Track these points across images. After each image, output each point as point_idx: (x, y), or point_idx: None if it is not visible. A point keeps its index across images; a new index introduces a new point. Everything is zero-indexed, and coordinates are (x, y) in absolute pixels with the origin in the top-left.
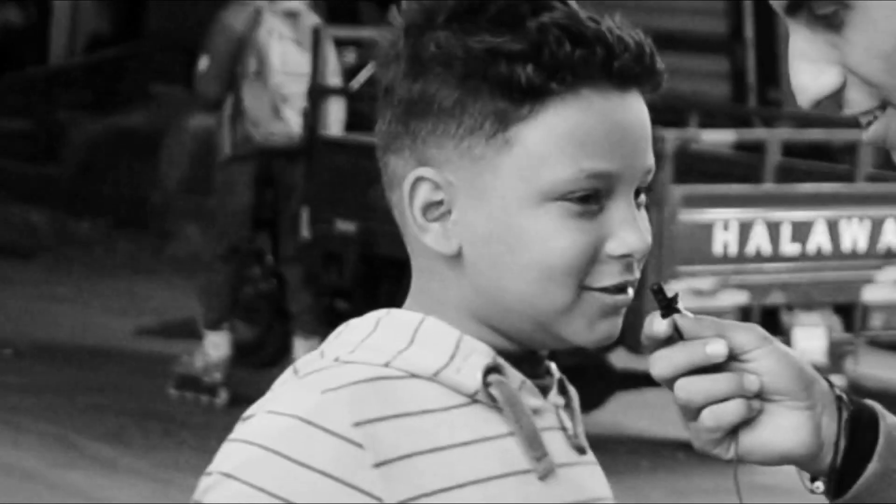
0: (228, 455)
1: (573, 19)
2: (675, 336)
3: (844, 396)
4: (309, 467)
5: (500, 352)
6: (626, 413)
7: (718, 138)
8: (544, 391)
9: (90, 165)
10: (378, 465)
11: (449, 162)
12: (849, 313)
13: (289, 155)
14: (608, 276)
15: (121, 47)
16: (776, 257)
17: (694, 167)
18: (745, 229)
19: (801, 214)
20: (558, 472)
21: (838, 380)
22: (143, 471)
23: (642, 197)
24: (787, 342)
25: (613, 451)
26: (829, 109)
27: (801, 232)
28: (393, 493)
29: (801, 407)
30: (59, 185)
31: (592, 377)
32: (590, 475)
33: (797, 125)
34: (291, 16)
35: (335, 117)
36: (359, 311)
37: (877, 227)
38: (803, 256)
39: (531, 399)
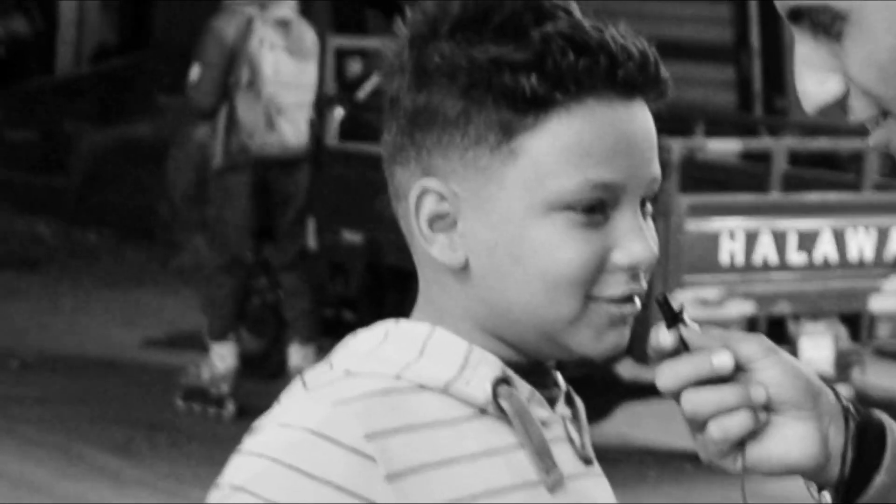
0: (238, 468)
1: (577, 29)
2: (681, 348)
3: (851, 407)
4: (321, 480)
5: (508, 363)
6: (632, 424)
7: (724, 147)
8: (552, 402)
9: (97, 176)
10: (390, 477)
11: (454, 173)
12: (855, 323)
13: (284, 164)
14: (615, 286)
15: (127, 58)
16: (783, 267)
17: (700, 176)
18: (751, 238)
19: (807, 224)
20: (567, 483)
21: (845, 389)
22: (151, 482)
23: (648, 206)
24: (794, 352)
25: (620, 462)
26: (835, 116)
27: (808, 241)
28: None
29: (808, 418)
30: (66, 196)
31: (599, 388)
32: (596, 486)
33: (803, 134)
34: (283, 24)
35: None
36: (365, 322)
37: (883, 237)
38: (810, 266)
39: (540, 410)
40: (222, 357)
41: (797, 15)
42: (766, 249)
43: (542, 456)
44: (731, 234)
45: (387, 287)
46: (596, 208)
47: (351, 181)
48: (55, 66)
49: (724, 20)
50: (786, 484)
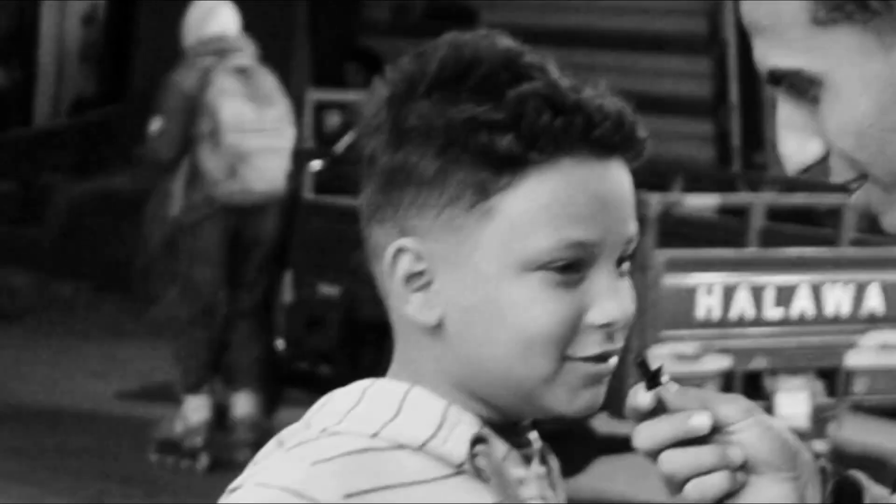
0: None
1: (553, 89)
2: (659, 408)
3: (829, 467)
4: None
5: (485, 421)
6: (608, 478)
7: (702, 202)
8: (527, 460)
9: (74, 228)
10: None
11: (430, 232)
12: (832, 378)
13: (249, 211)
14: (590, 345)
15: (105, 110)
16: (760, 322)
17: (678, 231)
18: (728, 293)
19: (784, 279)
20: None
21: (821, 445)
22: None
23: (625, 265)
24: (771, 407)
25: None
26: (817, 176)
27: (785, 296)
28: None
29: (786, 478)
30: (42, 248)
31: (574, 442)
32: None
33: (782, 189)
34: (242, 72)
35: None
36: (342, 376)
37: (860, 292)
38: (787, 321)
39: (516, 469)
40: (196, 409)
41: (776, 78)
42: (743, 304)
43: None
44: (708, 289)
45: (364, 341)
46: (571, 267)
47: (329, 234)
48: (33, 118)
49: (704, 75)
50: None
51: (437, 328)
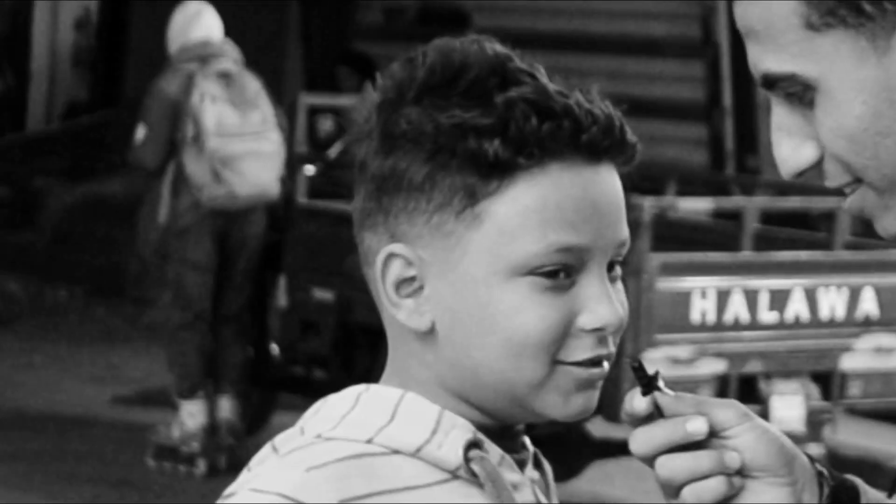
0: None
1: (541, 94)
2: (656, 413)
3: (825, 472)
4: None
5: (478, 426)
6: (603, 482)
7: (696, 206)
8: (521, 465)
9: (67, 233)
10: None
11: (420, 238)
12: (827, 381)
13: (234, 215)
14: (581, 350)
15: (98, 115)
16: (754, 325)
17: (672, 235)
18: (722, 297)
19: (778, 282)
20: None
21: (816, 448)
22: None
23: (617, 270)
24: (765, 411)
25: None
26: (812, 179)
27: (779, 300)
28: None
29: (782, 483)
30: (36, 253)
31: (569, 446)
32: None
33: (775, 193)
34: (224, 77)
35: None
36: (336, 380)
37: (854, 295)
38: (781, 325)
39: (510, 474)
40: (192, 414)
41: (770, 82)
42: (737, 308)
43: None
44: (702, 293)
45: (358, 345)
46: (561, 272)
47: (322, 239)
48: (26, 123)
49: (697, 79)
50: None
51: (429, 333)
